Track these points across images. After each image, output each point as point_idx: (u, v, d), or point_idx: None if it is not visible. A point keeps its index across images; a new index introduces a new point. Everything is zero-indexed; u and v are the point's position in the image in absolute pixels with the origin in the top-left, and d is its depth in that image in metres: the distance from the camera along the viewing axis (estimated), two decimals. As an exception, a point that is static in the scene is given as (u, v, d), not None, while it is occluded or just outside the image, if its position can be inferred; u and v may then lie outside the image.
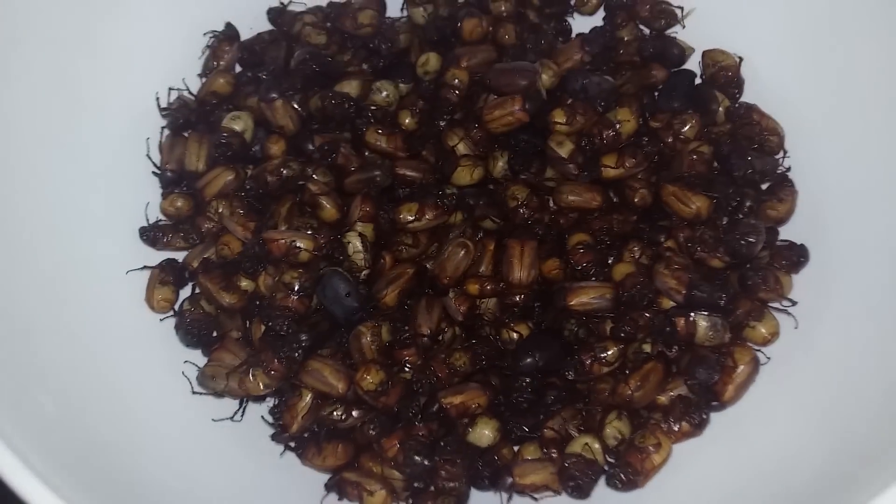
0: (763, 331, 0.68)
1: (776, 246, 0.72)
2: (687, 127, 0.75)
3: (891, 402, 0.57)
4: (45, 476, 0.48)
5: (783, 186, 0.73)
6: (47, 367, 0.60)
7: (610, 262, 0.72)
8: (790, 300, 0.70)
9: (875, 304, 0.64)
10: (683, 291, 0.67)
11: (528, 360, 0.68)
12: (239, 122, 0.76)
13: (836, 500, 0.47)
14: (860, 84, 0.72)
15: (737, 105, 0.78)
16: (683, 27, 0.83)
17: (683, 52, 0.81)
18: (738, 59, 0.79)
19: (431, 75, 0.79)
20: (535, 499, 0.66)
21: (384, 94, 0.78)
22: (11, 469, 0.47)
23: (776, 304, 0.70)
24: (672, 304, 0.69)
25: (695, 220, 0.71)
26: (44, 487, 0.47)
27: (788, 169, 0.75)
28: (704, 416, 0.66)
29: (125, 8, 0.75)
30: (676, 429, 0.66)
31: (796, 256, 0.70)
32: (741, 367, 0.66)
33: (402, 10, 0.84)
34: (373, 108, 0.77)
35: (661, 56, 0.81)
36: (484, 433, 0.66)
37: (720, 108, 0.77)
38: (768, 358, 0.68)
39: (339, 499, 0.66)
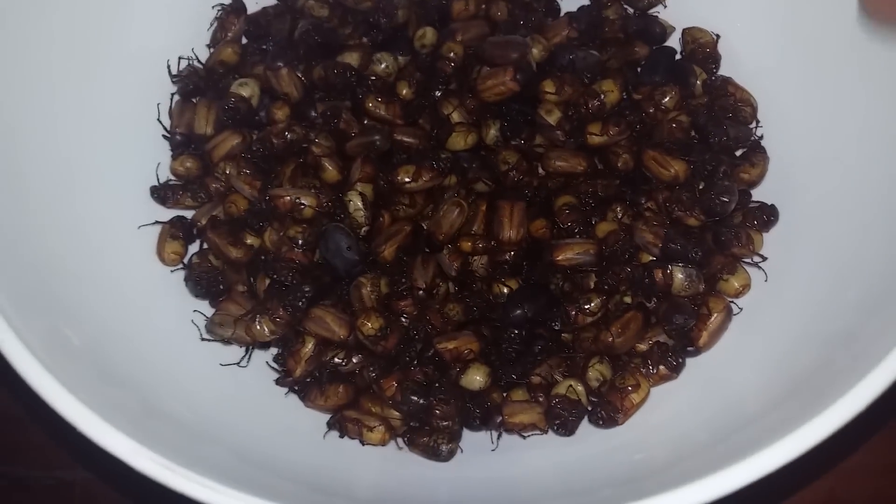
0: (735, 283, 0.73)
1: (748, 207, 0.77)
2: (667, 98, 0.80)
3: (843, 346, 0.62)
4: (77, 392, 0.52)
5: (756, 152, 0.78)
6: (72, 308, 0.64)
7: (593, 221, 0.77)
8: (761, 256, 0.74)
9: (835, 259, 0.69)
10: (660, 245, 0.72)
11: (518, 312, 0.72)
12: (246, 89, 0.80)
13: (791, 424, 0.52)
14: (829, 57, 0.77)
15: (713, 78, 0.83)
16: (665, 6, 0.87)
17: (665, 31, 0.86)
18: (715, 36, 0.84)
19: (428, 48, 0.84)
20: (524, 437, 0.70)
21: (384, 65, 0.82)
22: (51, 388, 0.52)
23: (748, 260, 0.75)
24: (650, 258, 0.74)
25: (673, 183, 0.76)
26: (81, 405, 0.52)
27: (761, 137, 0.80)
28: (680, 360, 0.71)
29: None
30: (654, 372, 0.70)
31: (767, 216, 0.75)
32: (715, 315, 0.71)
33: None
34: (373, 78, 0.81)
35: (644, 34, 0.86)
36: (475, 378, 0.71)
37: (698, 82, 0.82)
38: (740, 308, 0.73)
39: (341, 436, 0.70)
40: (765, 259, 0.74)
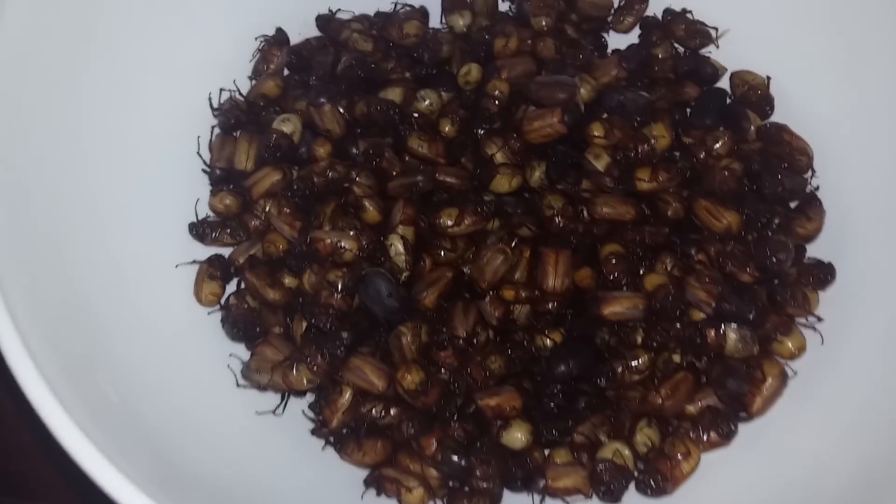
0: (790, 345, 0.70)
1: (804, 263, 0.74)
2: (719, 143, 0.77)
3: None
4: (112, 458, 0.50)
5: (812, 205, 0.76)
6: (109, 355, 0.62)
7: (641, 272, 0.74)
8: (816, 316, 0.72)
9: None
10: (713, 304, 0.69)
11: (562, 367, 0.70)
12: (288, 125, 0.78)
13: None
14: (888, 105, 0.74)
15: (767, 125, 0.80)
16: (717, 47, 0.85)
17: (717, 71, 0.84)
18: (766, 78, 0.81)
19: (472, 85, 0.82)
20: (567, 502, 0.68)
21: (427, 101, 0.80)
22: (84, 450, 0.50)
23: (803, 320, 0.72)
24: (702, 315, 0.71)
25: (726, 235, 0.73)
26: (111, 467, 0.50)
27: (817, 188, 0.77)
28: (733, 427, 0.68)
29: (183, 13, 0.77)
30: (705, 438, 0.68)
31: (823, 274, 0.73)
32: (770, 380, 0.68)
33: (441, 21, 0.87)
34: (416, 115, 0.79)
35: (695, 74, 0.84)
36: (517, 436, 0.68)
37: (751, 127, 0.80)
38: (795, 372, 0.70)
39: (378, 494, 0.68)
40: (821, 320, 0.72)
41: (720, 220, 0.73)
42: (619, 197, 0.76)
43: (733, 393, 0.68)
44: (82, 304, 0.63)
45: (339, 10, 0.86)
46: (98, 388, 0.58)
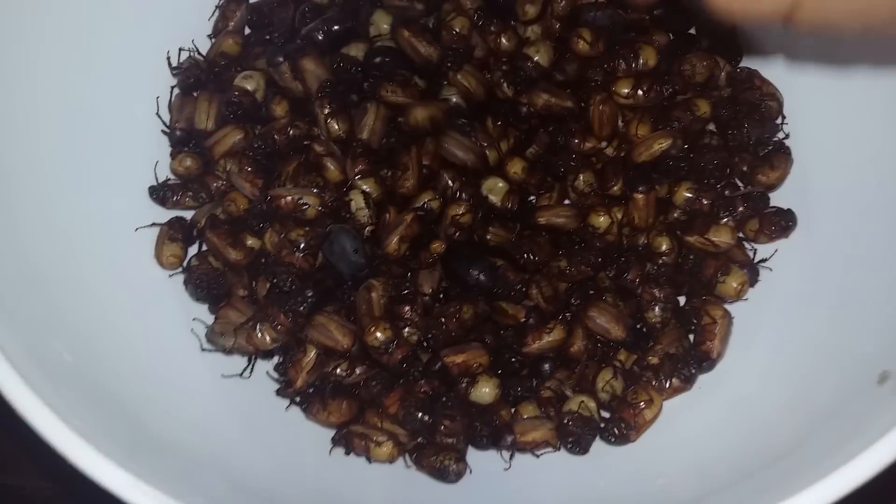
0: (733, 283, 0.71)
1: (765, 212, 0.74)
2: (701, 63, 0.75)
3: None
4: (68, 419, 0.50)
5: (778, 154, 0.75)
6: (63, 318, 0.61)
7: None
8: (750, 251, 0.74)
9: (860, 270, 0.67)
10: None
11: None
12: (251, 82, 0.76)
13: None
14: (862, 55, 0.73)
15: (739, 69, 0.79)
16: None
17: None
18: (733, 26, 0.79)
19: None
20: (537, 455, 0.68)
21: (384, 26, 0.79)
22: (38, 413, 0.49)
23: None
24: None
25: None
26: (69, 430, 0.49)
27: (786, 137, 0.77)
28: (693, 371, 0.69)
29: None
30: (667, 385, 0.68)
31: (785, 221, 0.72)
32: (719, 321, 0.69)
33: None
34: (377, 60, 0.77)
35: (668, 19, 0.81)
36: (484, 391, 0.68)
37: (722, 73, 0.78)
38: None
39: (347, 452, 0.68)
40: (764, 260, 0.73)
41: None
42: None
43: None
44: (37, 270, 0.62)
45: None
46: (55, 353, 0.57)
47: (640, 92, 0.74)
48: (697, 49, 0.77)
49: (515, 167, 0.75)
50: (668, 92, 0.75)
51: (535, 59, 0.76)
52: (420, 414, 0.66)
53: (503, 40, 0.77)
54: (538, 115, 0.76)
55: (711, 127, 0.77)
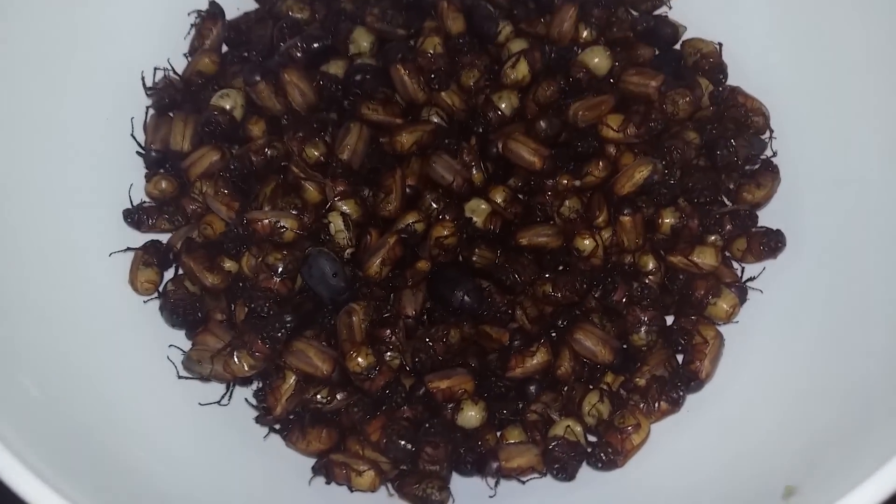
0: (724, 305, 0.70)
1: (752, 231, 0.73)
2: (682, 100, 0.75)
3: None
4: (28, 461, 0.48)
5: (765, 172, 0.74)
6: (30, 350, 0.60)
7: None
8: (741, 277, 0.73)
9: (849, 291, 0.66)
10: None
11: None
12: (228, 100, 0.75)
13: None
14: (847, 72, 0.73)
15: (720, 89, 0.78)
16: (670, 8, 0.83)
17: (676, 31, 0.81)
18: (717, 46, 0.79)
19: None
20: (522, 482, 0.67)
21: (364, 44, 0.78)
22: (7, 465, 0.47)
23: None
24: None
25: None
26: (28, 472, 0.47)
27: (774, 154, 0.76)
28: (681, 393, 0.68)
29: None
30: (656, 407, 0.67)
31: (774, 242, 0.71)
32: (710, 342, 0.68)
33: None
34: (357, 77, 0.76)
35: (654, 34, 0.81)
36: (471, 414, 0.67)
37: (704, 94, 0.77)
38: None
39: (327, 482, 0.66)
40: (753, 278, 0.72)
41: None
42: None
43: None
44: (2, 300, 0.60)
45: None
46: (19, 386, 0.55)
47: (629, 128, 0.73)
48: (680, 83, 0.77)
49: (498, 195, 0.73)
50: (658, 129, 0.74)
51: (502, 106, 0.75)
52: (403, 442, 0.64)
53: (467, 79, 0.76)
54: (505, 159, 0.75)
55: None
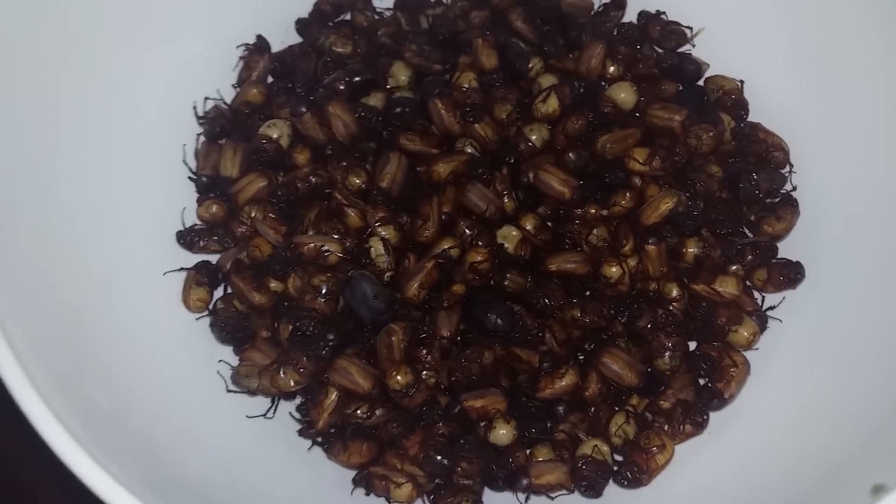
0: (745, 333, 0.73)
1: (772, 263, 0.76)
2: (706, 135, 0.78)
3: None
4: (104, 464, 0.52)
5: (785, 206, 0.78)
6: (100, 365, 0.64)
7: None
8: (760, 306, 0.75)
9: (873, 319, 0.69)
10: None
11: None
12: (275, 129, 0.79)
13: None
14: (865, 108, 0.76)
15: (742, 125, 0.82)
16: (693, 46, 0.86)
17: (699, 68, 0.85)
18: (739, 83, 0.83)
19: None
20: (551, 497, 0.70)
21: (402, 78, 0.82)
22: (79, 459, 0.52)
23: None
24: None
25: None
26: (103, 474, 0.52)
27: (794, 189, 0.79)
28: (705, 417, 0.71)
29: (166, 23, 0.79)
30: (680, 430, 0.70)
31: (793, 274, 0.75)
32: (739, 366, 0.72)
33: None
34: (397, 110, 0.80)
35: (678, 70, 0.85)
36: (502, 432, 0.70)
37: (726, 130, 0.81)
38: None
39: (367, 493, 0.69)
40: (773, 307, 0.75)
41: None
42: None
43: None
44: (72, 315, 0.65)
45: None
46: (90, 398, 0.60)
47: (655, 161, 0.76)
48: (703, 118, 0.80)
49: (528, 223, 0.77)
50: (682, 163, 0.78)
51: (532, 138, 0.79)
52: (439, 457, 0.68)
53: (499, 112, 0.80)
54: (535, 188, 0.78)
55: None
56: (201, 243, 0.78)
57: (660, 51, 0.87)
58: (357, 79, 0.83)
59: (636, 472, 0.68)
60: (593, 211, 0.77)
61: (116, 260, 0.72)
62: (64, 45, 0.72)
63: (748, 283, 0.77)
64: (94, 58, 0.74)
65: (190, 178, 0.81)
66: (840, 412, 0.65)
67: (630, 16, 0.88)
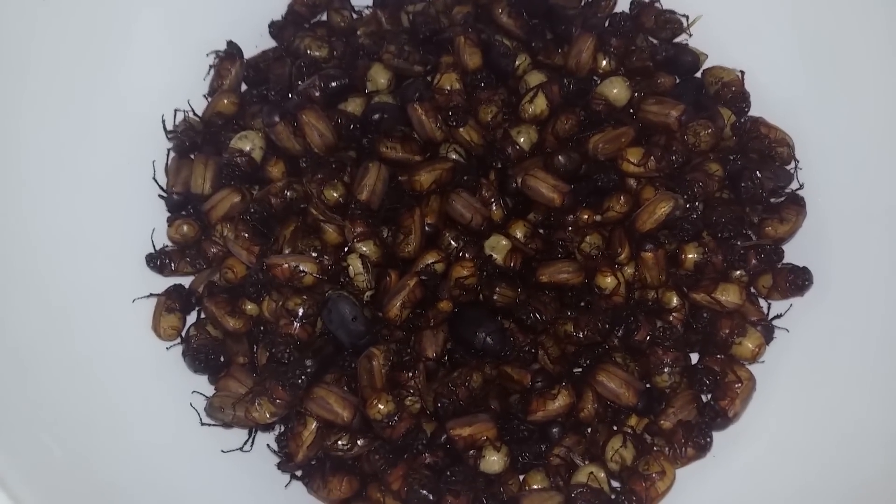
0: (749, 345, 0.69)
1: (778, 268, 0.72)
2: (704, 132, 0.74)
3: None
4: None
5: (789, 206, 0.73)
6: (52, 405, 0.60)
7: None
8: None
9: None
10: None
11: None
12: (246, 142, 0.75)
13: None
14: (876, 101, 0.72)
15: (742, 120, 0.77)
16: (690, 35, 0.82)
17: (697, 59, 0.80)
18: (739, 74, 0.78)
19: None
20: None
21: (382, 81, 0.77)
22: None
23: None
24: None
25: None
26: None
27: (801, 186, 0.74)
28: (709, 439, 0.67)
29: (129, 31, 0.75)
30: (682, 453, 0.66)
31: (801, 280, 0.70)
32: (744, 382, 0.68)
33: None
34: (375, 117, 0.76)
35: (675, 62, 0.80)
36: (493, 459, 0.66)
37: (726, 125, 0.76)
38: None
39: (349, 529, 0.66)
40: (779, 316, 0.71)
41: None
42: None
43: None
44: (24, 351, 0.61)
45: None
46: (40, 444, 0.56)
47: (650, 162, 0.72)
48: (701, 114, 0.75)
49: (518, 231, 0.73)
50: (679, 162, 0.73)
51: (520, 141, 0.74)
52: (424, 491, 0.64)
53: (484, 114, 0.75)
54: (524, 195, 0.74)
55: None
56: (173, 266, 0.74)
57: (654, 42, 0.81)
58: (333, 84, 0.78)
59: (635, 501, 0.64)
60: (586, 217, 0.73)
61: (80, 289, 0.68)
62: (21, 58, 0.68)
63: (752, 289, 0.72)
64: (54, 68, 0.71)
65: (160, 195, 0.77)
66: (853, 431, 0.61)
67: (622, 5, 0.83)
